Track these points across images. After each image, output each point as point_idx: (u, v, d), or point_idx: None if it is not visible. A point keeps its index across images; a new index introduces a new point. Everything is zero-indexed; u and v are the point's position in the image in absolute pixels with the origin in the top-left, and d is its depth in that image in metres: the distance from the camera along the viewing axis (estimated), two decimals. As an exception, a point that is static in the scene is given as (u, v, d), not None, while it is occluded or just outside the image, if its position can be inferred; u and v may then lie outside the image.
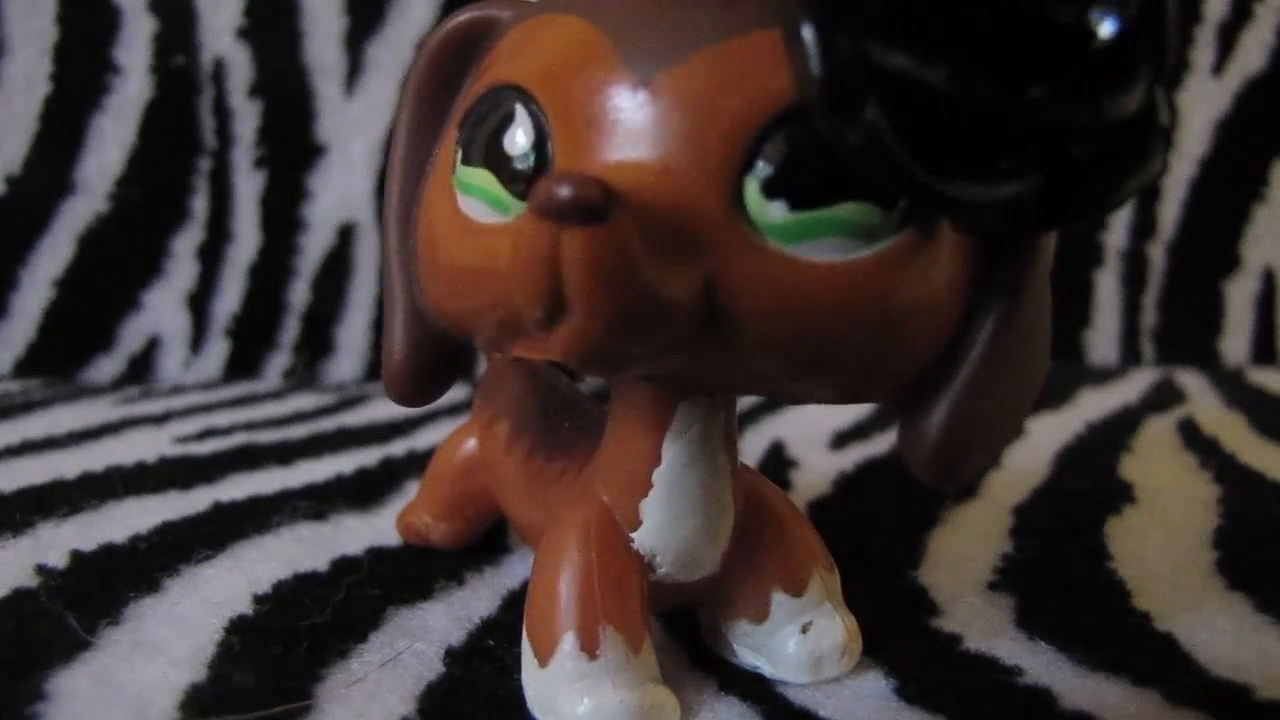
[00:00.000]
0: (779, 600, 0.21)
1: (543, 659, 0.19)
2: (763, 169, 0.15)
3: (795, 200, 0.15)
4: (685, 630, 0.23)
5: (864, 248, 0.15)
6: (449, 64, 0.20)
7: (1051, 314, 0.18)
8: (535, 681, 0.20)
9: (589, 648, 0.19)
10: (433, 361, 0.20)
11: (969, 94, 0.14)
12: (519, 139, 0.16)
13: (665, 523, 0.20)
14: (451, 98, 0.20)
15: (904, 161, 0.14)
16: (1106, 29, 0.14)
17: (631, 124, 0.15)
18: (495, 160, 0.17)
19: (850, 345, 0.16)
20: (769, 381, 0.17)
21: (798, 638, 0.21)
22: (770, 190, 0.15)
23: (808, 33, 0.14)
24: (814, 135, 0.15)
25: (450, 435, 0.29)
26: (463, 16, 0.20)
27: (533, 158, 0.16)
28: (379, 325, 0.59)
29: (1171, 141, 0.64)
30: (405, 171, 0.20)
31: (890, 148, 0.14)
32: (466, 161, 0.17)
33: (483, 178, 0.17)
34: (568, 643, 0.19)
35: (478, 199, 0.17)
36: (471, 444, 0.28)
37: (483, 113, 0.17)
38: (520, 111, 0.16)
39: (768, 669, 0.21)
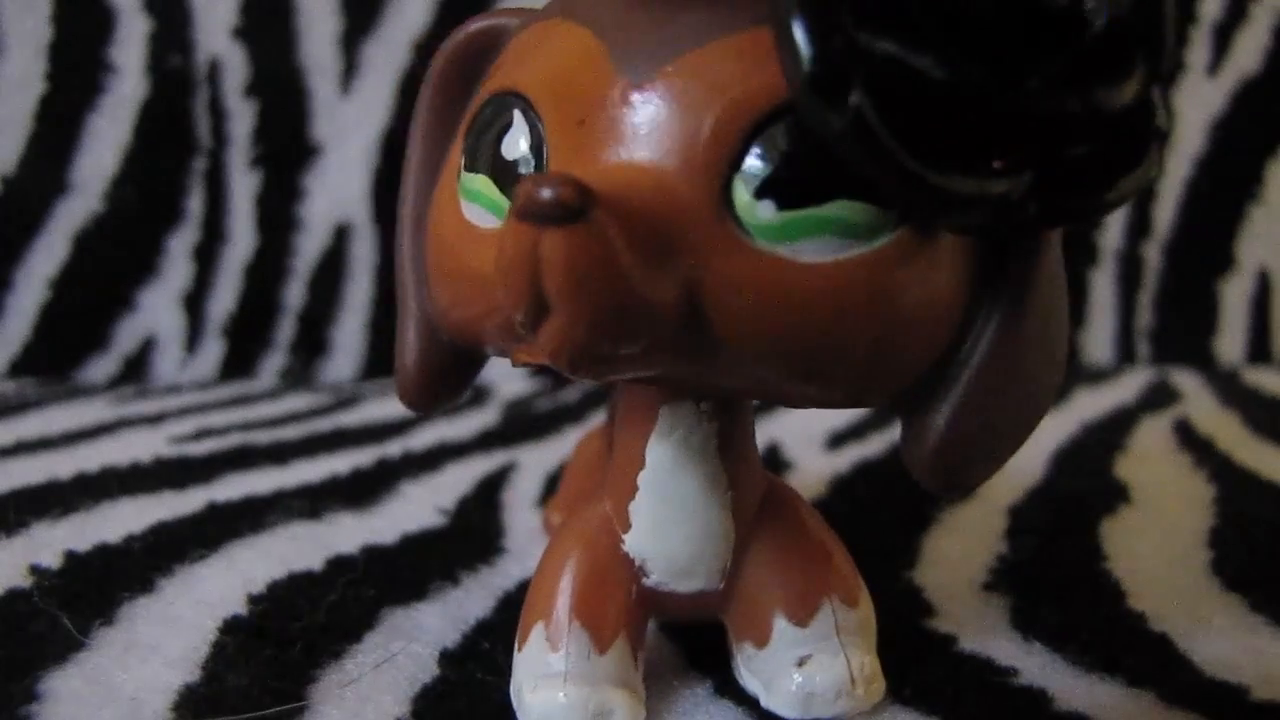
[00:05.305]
0: (781, 627, 0.20)
1: (519, 645, 0.20)
2: (751, 168, 0.15)
3: (783, 199, 0.15)
4: (684, 636, 0.23)
5: (857, 247, 0.15)
6: (460, 74, 0.20)
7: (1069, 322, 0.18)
8: (514, 665, 0.20)
9: (553, 641, 0.19)
10: (444, 367, 0.20)
11: (958, 80, 0.13)
12: (517, 144, 0.17)
13: (651, 527, 0.20)
14: (463, 106, 0.20)
15: (889, 149, 0.13)
16: (1100, 17, 0.14)
17: (623, 125, 0.16)
18: (496, 166, 0.17)
19: (845, 347, 0.16)
20: (764, 384, 0.17)
21: (793, 670, 0.20)
22: (759, 190, 0.15)
23: (796, 19, 0.14)
24: (803, 133, 0.15)
25: (584, 435, 0.29)
26: (473, 26, 0.20)
27: (531, 162, 0.17)
28: (375, 326, 0.59)
29: (1168, 144, 0.64)
30: (418, 181, 0.20)
31: (875, 134, 0.13)
32: (470, 168, 0.18)
33: (484, 184, 0.17)
34: (536, 633, 0.20)
35: (480, 205, 0.17)
36: (595, 444, 0.28)
37: (485, 120, 0.18)
38: (518, 117, 0.17)
39: (763, 697, 0.20)
